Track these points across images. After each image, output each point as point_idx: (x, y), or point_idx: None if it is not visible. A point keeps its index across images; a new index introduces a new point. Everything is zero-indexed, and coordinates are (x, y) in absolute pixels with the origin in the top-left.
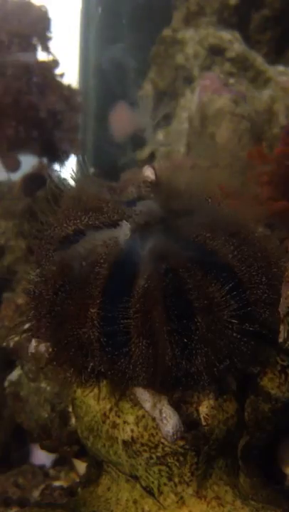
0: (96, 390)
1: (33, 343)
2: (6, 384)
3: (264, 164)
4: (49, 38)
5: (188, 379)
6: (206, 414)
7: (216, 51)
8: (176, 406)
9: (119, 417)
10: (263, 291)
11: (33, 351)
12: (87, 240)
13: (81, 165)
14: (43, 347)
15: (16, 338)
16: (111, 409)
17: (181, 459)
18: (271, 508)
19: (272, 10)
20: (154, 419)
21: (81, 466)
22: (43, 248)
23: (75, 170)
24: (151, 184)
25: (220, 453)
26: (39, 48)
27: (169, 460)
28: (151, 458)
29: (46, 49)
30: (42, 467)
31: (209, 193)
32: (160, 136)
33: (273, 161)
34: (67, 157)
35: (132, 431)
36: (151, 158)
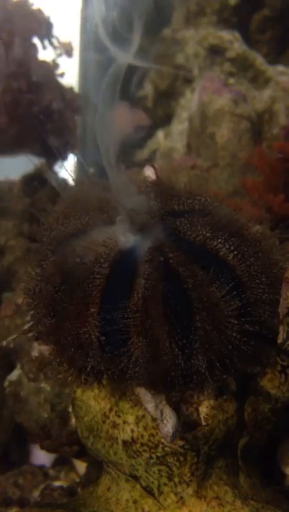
0: (96, 390)
1: (36, 346)
2: (6, 384)
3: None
4: (52, 33)
5: (188, 379)
6: (206, 414)
7: (216, 51)
8: (176, 406)
9: (119, 417)
10: (263, 291)
11: (36, 354)
12: (88, 240)
13: (81, 165)
14: (45, 349)
15: (14, 337)
16: (111, 409)
17: (181, 459)
18: (271, 508)
19: (272, 10)
20: (154, 419)
21: (81, 466)
22: (42, 248)
23: (74, 170)
24: (151, 184)
25: (220, 453)
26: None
27: (169, 460)
28: (151, 458)
29: (54, 42)
30: (42, 467)
31: (209, 192)
32: (160, 136)
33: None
34: (66, 157)
35: (132, 431)
36: (151, 158)
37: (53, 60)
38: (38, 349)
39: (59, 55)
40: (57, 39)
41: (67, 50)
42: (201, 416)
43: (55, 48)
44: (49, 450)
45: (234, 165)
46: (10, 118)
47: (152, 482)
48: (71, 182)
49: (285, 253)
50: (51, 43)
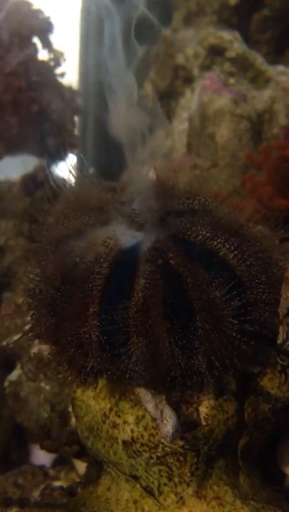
0: (96, 390)
1: (36, 343)
2: (6, 384)
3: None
4: (49, 37)
5: (188, 379)
6: (206, 414)
7: (216, 51)
8: (176, 406)
9: (119, 417)
10: (263, 291)
11: (35, 352)
12: (87, 240)
13: (81, 164)
14: (44, 348)
15: (16, 337)
16: (111, 409)
17: (181, 459)
18: (271, 508)
19: (272, 10)
20: (154, 419)
21: (81, 466)
22: (42, 248)
23: (74, 170)
24: (151, 184)
25: (220, 453)
26: (39, 48)
27: (169, 460)
28: (151, 458)
29: (48, 46)
30: (42, 467)
31: (209, 192)
32: (160, 136)
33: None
34: (65, 157)
35: (132, 431)
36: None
37: (53, 60)
38: (38, 347)
39: (51, 60)
40: (51, 45)
41: (56, 58)
42: (201, 416)
43: (49, 51)
44: (49, 450)
45: (234, 165)
46: (18, 118)
47: (152, 482)
48: (71, 182)
49: (285, 253)
50: (48, 45)
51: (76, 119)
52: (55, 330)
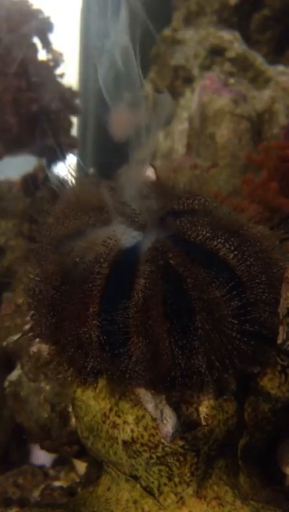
0: (96, 390)
1: (36, 342)
2: (6, 384)
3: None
4: (49, 37)
5: (188, 379)
6: (206, 414)
7: (216, 51)
8: (176, 406)
9: (119, 417)
10: (263, 291)
11: (35, 350)
12: (87, 240)
13: (80, 165)
14: (44, 348)
15: (16, 337)
16: (111, 409)
17: (181, 459)
18: (271, 508)
19: (272, 10)
20: (154, 419)
21: (81, 466)
22: (42, 248)
23: (74, 170)
24: (151, 184)
25: (220, 453)
26: (39, 48)
27: (169, 460)
28: (151, 458)
29: (47, 47)
30: (42, 467)
31: (209, 192)
32: (160, 136)
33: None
34: (65, 157)
35: (132, 431)
36: (151, 158)
37: (52, 60)
38: (38, 346)
39: (49, 60)
40: (50, 45)
41: (55, 59)
42: (201, 416)
43: (48, 51)
44: (49, 450)
45: (234, 165)
46: (18, 118)
47: (152, 482)
48: (71, 182)
49: (285, 253)
50: (48, 46)
51: (76, 119)
52: (55, 330)
